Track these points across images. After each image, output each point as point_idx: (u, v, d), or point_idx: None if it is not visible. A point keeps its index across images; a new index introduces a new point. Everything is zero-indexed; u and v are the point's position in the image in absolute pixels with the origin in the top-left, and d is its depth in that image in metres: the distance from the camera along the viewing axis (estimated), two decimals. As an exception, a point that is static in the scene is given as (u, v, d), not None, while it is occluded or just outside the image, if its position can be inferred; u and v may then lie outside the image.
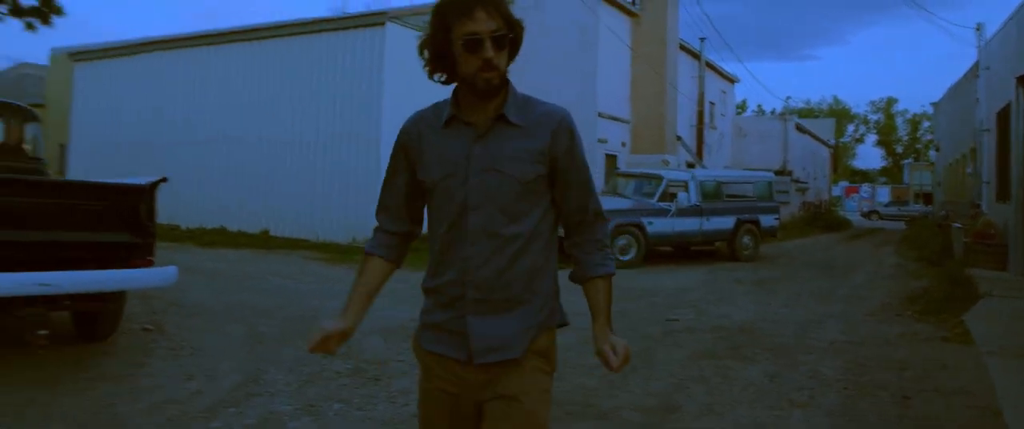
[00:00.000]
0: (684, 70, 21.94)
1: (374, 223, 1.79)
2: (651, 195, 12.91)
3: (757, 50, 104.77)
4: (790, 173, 28.74)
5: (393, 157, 1.75)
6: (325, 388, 4.38)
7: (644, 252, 12.33)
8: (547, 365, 1.67)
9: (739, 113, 57.51)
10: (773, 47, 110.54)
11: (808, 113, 62.25)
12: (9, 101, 6.73)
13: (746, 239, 13.97)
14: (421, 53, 1.62)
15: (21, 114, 6.48)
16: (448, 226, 1.61)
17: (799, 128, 31.31)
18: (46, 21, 9.08)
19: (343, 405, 4.06)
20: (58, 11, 9.17)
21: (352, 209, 13.54)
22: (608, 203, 12.56)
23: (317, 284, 8.98)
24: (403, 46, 14.21)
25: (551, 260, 1.68)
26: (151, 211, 4.58)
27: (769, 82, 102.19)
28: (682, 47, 21.39)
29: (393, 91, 13.77)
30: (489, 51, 1.51)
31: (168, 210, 14.13)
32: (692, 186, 13.21)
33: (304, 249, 13.05)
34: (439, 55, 1.59)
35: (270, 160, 15.09)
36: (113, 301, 4.84)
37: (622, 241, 12.17)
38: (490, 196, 1.58)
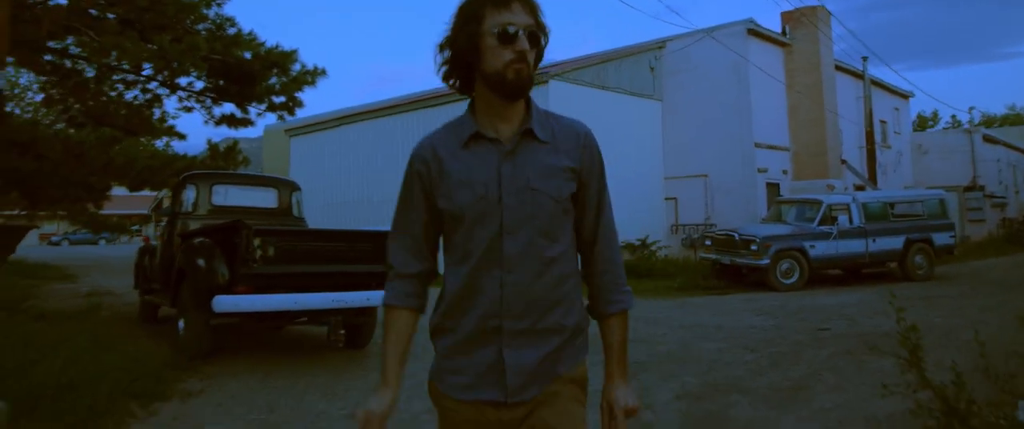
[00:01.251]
0: (849, 91, 21.75)
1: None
2: (812, 220, 13.34)
3: (945, 54, 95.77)
4: (982, 188, 26.88)
5: (406, 189, 1.61)
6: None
7: (807, 275, 12.76)
8: (583, 395, 1.57)
9: (930, 126, 53.51)
10: (964, 48, 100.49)
11: (1015, 119, 56.38)
12: (284, 178, 9.08)
13: (918, 259, 13.85)
14: (440, 51, 1.53)
15: (291, 186, 8.73)
16: (481, 254, 1.48)
17: (988, 139, 29.16)
18: (292, 113, 11.64)
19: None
20: (300, 103, 11.71)
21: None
22: (769, 229, 13.21)
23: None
24: (566, 100, 15.88)
25: (580, 285, 1.59)
26: (398, 250, 6.39)
27: (962, 89, 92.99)
28: (842, 68, 21.28)
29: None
30: (524, 43, 1.43)
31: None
32: (854, 208, 13.46)
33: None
34: (462, 53, 1.49)
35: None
36: (372, 317, 6.67)
37: (785, 265, 12.71)
38: (528, 217, 1.48)
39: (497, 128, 1.52)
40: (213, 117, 10.71)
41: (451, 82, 1.55)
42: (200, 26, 8.92)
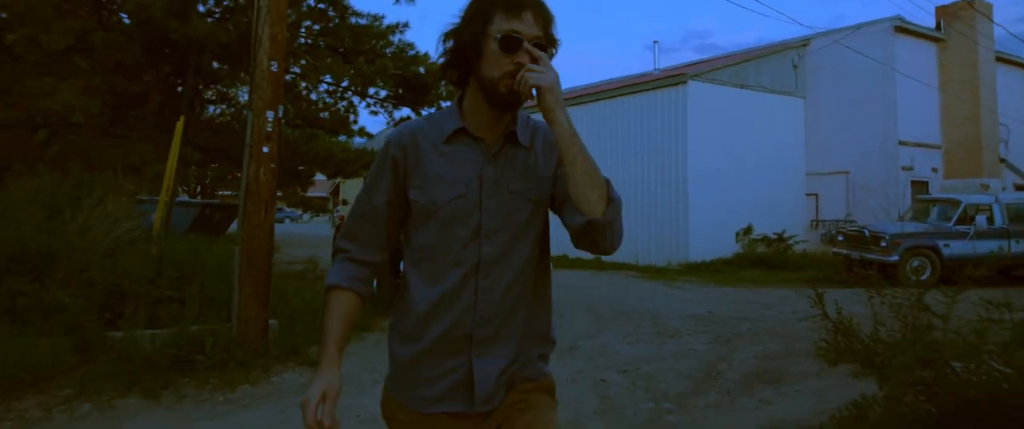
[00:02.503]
0: (1018, 85, 20.63)
1: None
2: (950, 219, 13.42)
3: None
4: None
5: (376, 175, 1.53)
6: (639, 343, 7.23)
7: (940, 274, 12.93)
8: (553, 401, 1.56)
9: None
10: None
11: None
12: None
13: (1070, 261, 13.45)
14: (443, 42, 1.48)
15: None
16: (454, 257, 1.44)
17: None
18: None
19: (654, 347, 6.87)
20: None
21: (665, 238, 16.48)
22: (900, 227, 13.46)
23: (634, 292, 11.95)
24: (704, 100, 16.76)
25: (549, 291, 1.60)
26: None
27: None
28: (1008, 60, 20.24)
29: (696, 138, 16.42)
30: (525, 56, 1.38)
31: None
32: (996, 209, 13.36)
33: (629, 271, 16.18)
34: (462, 48, 1.44)
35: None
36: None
37: (915, 263, 12.98)
38: (506, 220, 1.44)
39: (482, 130, 1.48)
40: (393, 120, 12.91)
41: (449, 74, 1.51)
42: (387, 50, 11.03)
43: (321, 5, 10.02)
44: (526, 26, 1.38)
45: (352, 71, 9.97)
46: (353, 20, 10.31)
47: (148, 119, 10.75)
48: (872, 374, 3.44)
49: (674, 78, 17.26)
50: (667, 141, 17.02)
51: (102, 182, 6.84)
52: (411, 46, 11.17)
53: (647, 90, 17.80)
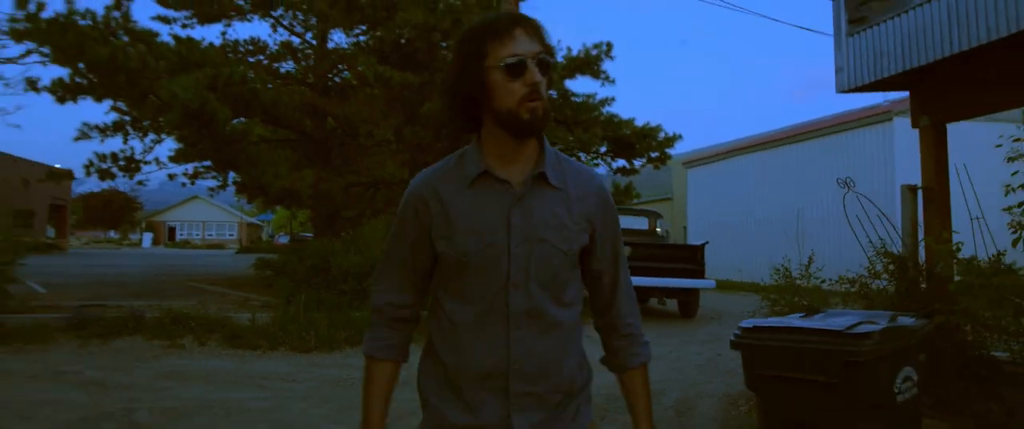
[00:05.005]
0: None
1: None
2: None
3: None
4: None
5: (400, 227, 1.47)
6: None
7: None
8: None
9: None
10: None
11: None
12: (651, 210, 14.03)
13: None
14: (445, 96, 1.44)
15: (656, 215, 13.55)
16: (485, 306, 1.38)
17: None
18: (662, 164, 16.46)
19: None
20: (668, 157, 16.46)
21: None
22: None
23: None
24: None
25: (582, 340, 1.51)
26: (702, 255, 10.71)
27: None
28: None
29: (907, 173, 17.02)
30: (536, 74, 1.32)
31: (736, 267, 20.44)
32: None
33: (834, 297, 17.35)
34: (467, 93, 1.37)
35: (812, 233, 19.80)
36: (694, 296, 11.04)
37: None
38: (535, 270, 1.38)
39: (507, 169, 1.40)
40: (612, 169, 16.18)
41: (457, 123, 1.45)
42: (599, 117, 14.33)
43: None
44: (523, 44, 1.33)
45: (571, 138, 13.44)
46: (574, 99, 13.78)
47: (435, 179, 15.17)
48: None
49: (879, 116, 18.05)
50: (875, 177, 17.79)
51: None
52: (618, 116, 14.36)
53: (847, 130, 18.75)
